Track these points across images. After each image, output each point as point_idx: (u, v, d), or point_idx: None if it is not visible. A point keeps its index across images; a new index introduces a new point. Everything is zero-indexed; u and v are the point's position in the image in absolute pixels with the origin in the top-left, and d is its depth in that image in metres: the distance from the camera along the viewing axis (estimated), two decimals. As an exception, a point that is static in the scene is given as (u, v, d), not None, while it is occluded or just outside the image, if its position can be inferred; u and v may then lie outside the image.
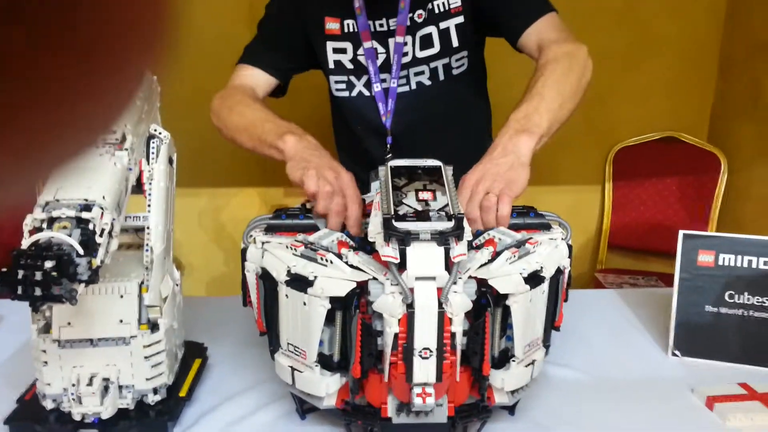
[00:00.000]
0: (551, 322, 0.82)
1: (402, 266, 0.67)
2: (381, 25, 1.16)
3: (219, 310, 1.14)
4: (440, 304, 0.66)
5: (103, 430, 0.76)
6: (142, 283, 0.80)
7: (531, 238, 0.79)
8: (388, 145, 1.17)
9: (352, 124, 1.21)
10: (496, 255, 0.75)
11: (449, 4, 1.13)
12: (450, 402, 0.74)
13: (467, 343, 0.71)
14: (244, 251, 0.81)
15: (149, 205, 0.82)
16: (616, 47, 2.21)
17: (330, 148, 1.02)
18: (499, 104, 1.26)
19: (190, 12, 2.00)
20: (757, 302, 0.99)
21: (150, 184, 0.83)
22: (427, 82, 1.17)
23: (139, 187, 0.84)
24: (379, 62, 1.16)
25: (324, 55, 1.18)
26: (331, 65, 1.18)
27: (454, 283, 0.67)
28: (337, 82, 1.19)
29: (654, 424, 0.85)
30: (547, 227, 0.86)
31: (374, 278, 0.69)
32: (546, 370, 0.92)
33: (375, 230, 0.70)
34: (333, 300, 0.70)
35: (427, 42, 1.14)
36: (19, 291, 0.60)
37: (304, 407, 0.82)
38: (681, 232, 1.03)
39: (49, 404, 0.78)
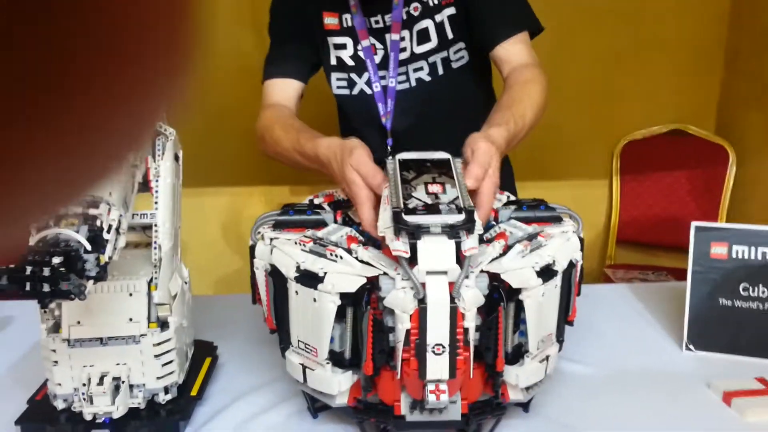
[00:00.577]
0: (564, 317, 0.81)
1: (413, 260, 0.66)
2: (377, 22, 1.14)
3: (228, 309, 1.13)
4: (452, 299, 0.65)
5: (115, 429, 0.76)
6: (151, 280, 0.79)
7: (542, 231, 0.78)
8: (389, 147, 1.15)
9: (354, 124, 1.20)
10: (507, 248, 0.74)
11: None
12: (463, 399, 0.73)
13: (480, 338, 0.70)
14: (252, 248, 0.80)
15: (156, 203, 0.82)
16: (621, 41, 2.19)
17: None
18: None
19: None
20: (773, 294, 0.98)
21: (156, 181, 0.82)
22: (427, 78, 1.15)
23: (145, 185, 0.83)
24: (378, 59, 1.15)
25: (326, 52, 1.17)
26: (333, 61, 1.17)
27: (466, 277, 0.66)
28: (338, 79, 1.17)
29: (672, 419, 0.84)
30: (558, 220, 0.85)
31: (385, 273, 0.68)
32: (560, 366, 0.91)
33: (384, 224, 0.69)
34: (343, 296, 0.70)
35: (424, 36, 1.13)
36: (28, 287, 0.59)
37: (316, 405, 0.82)
38: (693, 224, 1.02)
39: (60, 404, 0.77)
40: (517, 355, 0.76)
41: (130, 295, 0.77)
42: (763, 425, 0.82)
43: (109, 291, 0.76)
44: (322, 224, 0.81)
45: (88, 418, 0.75)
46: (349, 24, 1.14)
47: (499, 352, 0.70)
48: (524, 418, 0.83)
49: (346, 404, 0.75)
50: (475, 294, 0.67)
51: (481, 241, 0.74)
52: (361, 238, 0.76)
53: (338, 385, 0.72)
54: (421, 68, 1.14)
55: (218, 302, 1.19)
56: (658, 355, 1.00)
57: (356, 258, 0.71)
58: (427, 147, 0.81)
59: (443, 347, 0.66)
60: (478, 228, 0.69)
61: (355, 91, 1.16)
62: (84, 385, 0.75)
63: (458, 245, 0.66)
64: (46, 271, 0.58)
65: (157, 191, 0.82)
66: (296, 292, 0.72)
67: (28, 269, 0.59)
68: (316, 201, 0.90)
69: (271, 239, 0.78)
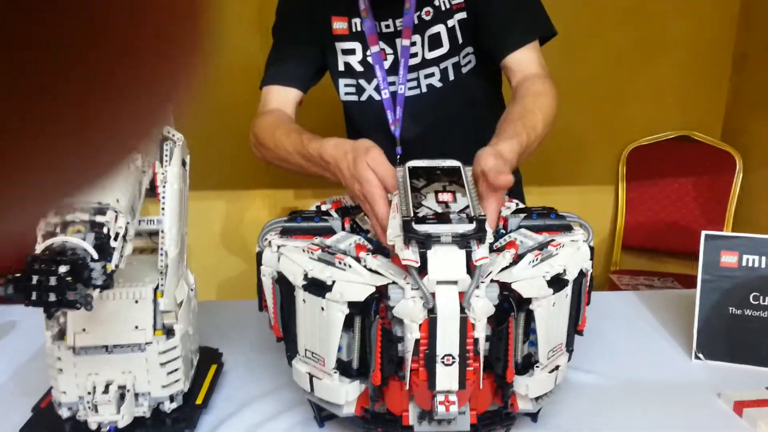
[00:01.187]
0: (574, 327, 0.80)
1: (423, 270, 0.65)
2: (387, 26, 1.13)
3: (233, 315, 1.13)
4: (462, 309, 0.64)
5: (119, 438, 0.75)
6: (157, 287, 0.78)
7: (553, 240, 0.77)
8: (398, 156, 1.14)
9: (362, 132, 1.18)
10: (518, 258, 0.73)
11: (451, 1, 1.11)
12: (472, 409, 0.72)
13: (490, 348, 0.70)
14: (259, 255, 0.80)
15: (163, 208, 0.81)
16: (627, 45, 2.18)
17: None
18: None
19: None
20: (784, 304, 0.97)
21: (163, 186, 0.81)
22: (438, 84, 1.14)
23: (152, 190, 0.83)
24: (387, 65, 1.13)
25: (333, 57, 1.15)
26: (341, 67, 1.15)
27: (477, 287, 0.65)
28: (346, 85, 1.16)
29: (682, 430, 0.83)
30: (568, 228, 0.84)
31: (394, 282, 0.68)
32: (568, 375, 0.90)
33: (394, 233, 0.68)
34: (352, 305, 0.69)
35: (435, 42, 1.11)
36: (34, 297, 0.58)
37: (322, 414, 0.81)
38: (703, 233, 1.01)
39: (64, 413, 0.77)
40: (527, 365, 0.75)
41: (136, 302, 0.76)
42: (776, 437, 0.81)
43: (115, 298, 0.76)
44: (330, 231, 0.81)
45: (93, 427, 0.74)
46: (359, 29, 1.13)
47: (509, 362, 0.69)
48: (533, 428, 0.82)
49: (354, 414, 0.74)
50: (485, 304, 0.66)
51: (491, 250, 0.74)
52: (370, 246, 0.75)
53: (345, 394, 0.72)
54: (432, 74, 1.13)
55: (224, 308, 1.18)
56: (667, 365, 0.99)
57: (365, 266, 0.70)
58: (437, 155, 0.80)
59: (453, 358, 0.65)
60: (489, 237, 0.68)
61: (364, 98, 1.15)
62: (89, 393, 0.74)
63: (469, 255, 0.65)
64: (53, 281, 0.58)
65: (164, 197, 0.81)
66: (304, 300, 0.72)
67: (35, 278, 0.58)
68: (324, 207, 0.90)
69: (279, 246, 0.78)
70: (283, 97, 1.14)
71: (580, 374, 0.94)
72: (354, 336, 0.71)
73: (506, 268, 0.72)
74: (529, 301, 0.70)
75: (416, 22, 1.11)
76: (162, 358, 0.77)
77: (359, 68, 1.14)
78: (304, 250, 0.74)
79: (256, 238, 0.82)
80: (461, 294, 0.65)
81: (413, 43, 1.11)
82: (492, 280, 0.69)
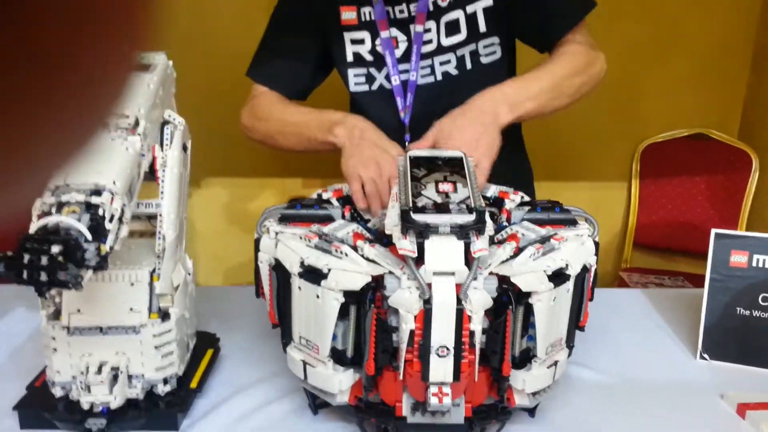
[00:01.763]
0: (575, 322, 0.78)
1: (420, 260, 0.64)
2: (401, 11, 1.10)
3: (234, 300, 1.12)
4: (459, 301, 0.63)
5: (112, 419, 0.75)
6: (154, 271, 0.78)
7: (556, 234, 0.76)
8: (407, 143, 1.11)
9: (372, 122, 1.15)
10: (519, 251, 0.71)
11: None
12: (467, 402, 0.71)
13: (487, 341, 0.68)
14: (257, 241, 0.79)
15: (162, 192, 0.80)
16: (643, 40, 2.14)
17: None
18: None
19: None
20: (793, 306, 0.95)
21: (163, 170, 0.81)
22: (454, 72, 1.11)
23: (152, 174, 0.82)
24: (400, 52, 1.10)
25: (341, 48, 1.13)
26: (350, 58, 1.12)
27: (474, 279, 0.64)
28: (356, 75, 1.13)
29: (683, 431, 0.81)
30: (573, 223, 0.82)
31: (390, 272, 0.66)
32: (569, 371, 0.89)
33: (392, 222, 0.67)
34: (347, 294, 0.68)
35: (453, 28, 1.09)
36: (25, 276, 0.58)
37: (317, 402, 0.80)
38: (713, 231, 0.99)
39: (58, 392, 0.77)
40: (525, 359, 0.74)
41: (132, 284, 0.76)
42: (779, 441, 0.79)
43: (111, 280, 0.75)
44: (329, 219, 0.80)
45: (86, 407, 0.74)
46: (368, 18, 1.11)
47: (506, 356, 0.67)
48: (530, 424, 0.81)
49: (347, 403, 0.73)
50: (482, 296, 0.65)
51: (492, 242, 0.72)
52: (368, 235, 0.74)
53: (339, 383, 0.71)
54: (448, 61, 1.11)
55: (225, 293, 1.18)
56: (671, 364, 0.97)
57: (362, 255, 0.69)
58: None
59: (448, 349, 0.64)
60: (489, 229, 0.67)
61: (375, 87, 1.13)
62: (82, 373, 0.74)
63: (467, 246, 0.64)
64: (44, 260, 0.57)
65: (163, 181, 0.81)
66: (299, 287, 0.71)
67: (26, 257, 0.58)
68: (325, 195, 0.89)
69: (277, 233, 0.77)
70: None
71: (582, 370, 0.92)
72: (349, 325, 0.70)
73: (506, 260, 0.70)
74: (528, 294, 0.69)
75: (431, 8, 1.09)
76: (156, 341, 0.76)
77: (369, 57, 1.11)
78: (301, 238, 0.73)
79: (258, 224, 0.82)
80: (458, 286, 0.64)
81: (427, 30, 1.08)
82: (491, 273, 0.68)
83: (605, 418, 0.83)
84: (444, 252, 0.63)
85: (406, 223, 0.64)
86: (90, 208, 0.65)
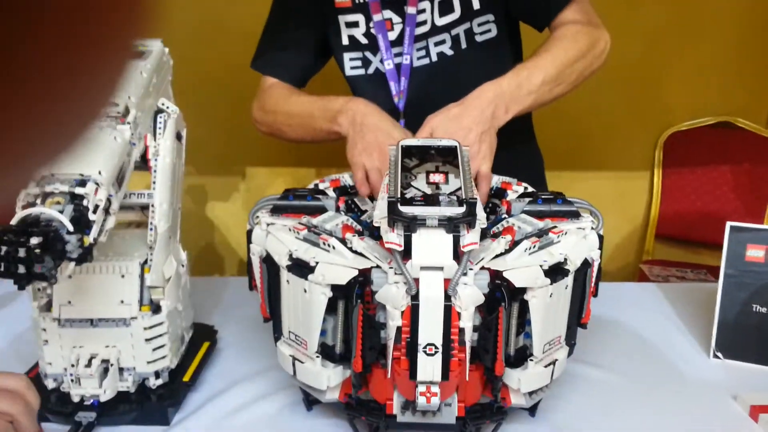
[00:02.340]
0: (577, 319, 0.75)
1: (407, 254, 0.62)
2: None
3: (237, 291, 1.11)
4: (448, 297, 0.61)
5: (102, 413, 0.74)
6: (146, 262, 0.77)
7: (555, 226, 0.73)
8: None
9: None
10: (514, 244, 0.69)
11: None
12: (460, 401, 0.68)
13: (479, 339, 0.66)
14: (249, 233, 0.77)
15: (154, 182, 0.79)
16: (667, 25, 2.07)
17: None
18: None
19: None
20: (812, 304, 0.90)
21: (156, 160, 0.79)
22: (449, 52, 1.07)
23: (145, 163, 0.81)
24: (394, 35, 1.07)
25: (337, 32, 1.10)
26: (345, 41, 1.10)
27: (464, 274, 0.62)
28: (352, 59, 1.11)
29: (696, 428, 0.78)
30: (575, 215, 0.79)
31: (378, 266, 0.64)
32: (572, 369, 0.86)
33: (380, 214, 0.65)
34: (335, 288, 0.66)
35: (447, 7, 1.05)
36: (2, 268, 0.57)
37: (311, 398, 0.78)
38: (728, 224, 0.94)
39: (50, 384, 0.76)
40: (521, 357, 0.71)
41: (122, 276, 0.75)
42: (790, 447, 0.75)
43: (101, 271, 0.75)
44: (322, 210, 0.78)
45: (76, 399, 0.73)
46: (362, 0, 1.08)
47: (498, 354, 0.65)
48: (530, 423, 0.78)
49: (337, 400, 0.71)
50: (472, 292, 0.62)
51: (487, 235, 0.69)
52: (357, 227, 0.72)
53: (327, 379, 0.69)
54: (443, 41, 1.07)
55: (229, 284, 1.17)
56: (682, 362, 0.94)
57: (350, 248, 0.67)
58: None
59: (436, 348, 0.61)
60: (481, 222, 0.64)
61: (371, 70, 1.10)
62: (73, 365, 0.73)
63: (456, 240, 0.61)
64: (21, 252, 0.56)
65: (155, 171, 0.80)
66: (287, 281, 0.69)
67: (3, 249, 0.57)
68: (322, 186, 0.87)
69: (267, 224, 0.75)
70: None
71: (586, 368, 0.89)
72: (338, 320, 0.68)
73: (501, 254, 0.67)
74: (523, 290, 0.66)
75: None
76: (147, 333, 0.76)
77: (364, 41, 1.09)
78: (290, 230, 0.71)
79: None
80: (447, 281, 0.61)
81: (421, 10, 1.05)
82: (483, 268, 0.65)
83: (609, 417, 0.80)
84: (432, 246, 0.61)
85: (393, 216, 0.62)
86: (74, 198, 0.64)
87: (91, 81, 0.18)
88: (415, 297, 0.61)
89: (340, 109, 0.94)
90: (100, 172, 0.67)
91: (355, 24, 1.08)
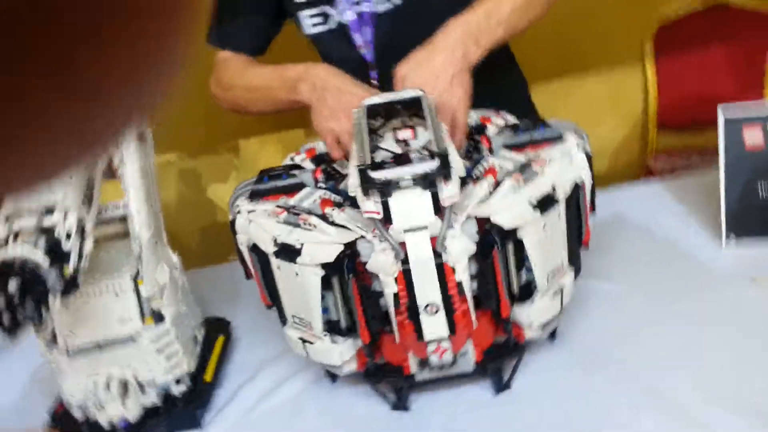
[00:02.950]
0: (577, 243, 0.74)
1: (388, 220, 0.60)
2: None
3: (243, 277, 1.11)
4: (437, 255, 0.60)
5: (132, 429, 0.75)
6: (137, 275, 0.76)
7: (537, 156, 0.70)
8: (374, 82, 1.03)
9: (337, 64, 1.06)
10: (497, 184, 0.66)
11: None
12: (477, 346, 0.68)
13: (479, 287, 0.65)
14: (232, 223, 0.76)
15: (126, 191, 0.77)
16: None
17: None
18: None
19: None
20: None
21: (122, 168, 0.77)
22: None
23: (113, 172, 0.79)
24: None
25: None
26: None
27: (450, 227, 0.60)
28: (311, 16, 1.04)
29: (714, 325, 0.78)
30: (559, 138, 0.76)
31: (363, 237, 0.63)
32: (584, 287, 0.84)
33: (354, 184, 0.63)
34: (326, 266, 0.65)
35: None
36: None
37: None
38: (720, 113, 0.91)
39: (78, 414, 0.77)
40: (528, 291, 0.70)
41: (117, 295, 0.74)
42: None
43: (94, 295, 0.74)
44: (301, 187, 0.76)
45: (106, 426, 0.74)
46: None
47: (501, 296, 0.64)
48: (550, 349, 0.78)
49: (355, 371, 0.71)
50: (462, 244, 0.61)
51: (467, 182, 0.67)
52: (337, 198, 0.70)
53: (340, 355, 0.69)
54: None
55: (233, 271, 1.16)
56: (694, 256, 0.92)
57: (332, 222, 0.65)
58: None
59: (436, 306, 0.61)
60: (458, 171, 0.62)
61: (332, 25, 1.03)
62: (92, 393, 0.74)
63: (435, 195, 0.60)
64: (1, 303, 0.55)
65: (125, 180, 0.78)
66: (278, 267, 0.68)
67: (-17, 303, 0.56)
68: (297, 158, 0.85)
69: (249, 212, 0.73)
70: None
71: (598, 282, 0.87)
72: (336, 296, 0.67)
73: (486, 198, 0.65)
74: (516, 230, 0.64)
75: None
76: (156, 345, 0.75)
77: None
78: (270, 214, 0.70)
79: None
80: (434, 239, 0.60)
81: None
82: (469, 216, 0.63)
83: (627, 327, 0.80)
84: (410, 207, 0.59)
85: (366, 183, 0.60)
86: (44, 231, 0.63)
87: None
88: (405, 261, 0.60)
89: (299, 77, 0.90)
90: (65, 194, 0.65)
91: None
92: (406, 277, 0.60)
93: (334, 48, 1.05)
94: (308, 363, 0.83)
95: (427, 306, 0.60)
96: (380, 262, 0.61)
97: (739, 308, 0.80)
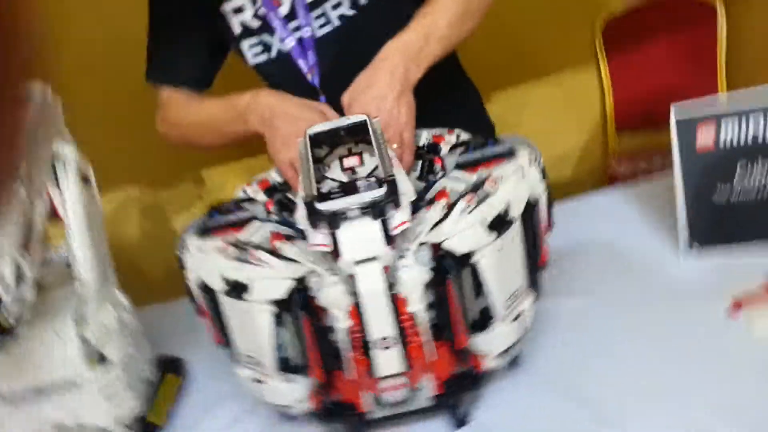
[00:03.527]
0: (534, 263, 0.72)
1: (338, 252, 0.58)
2: None
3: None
4: (390, 286, 0.57)
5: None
6: (82, 317, 0.72)
7: (489, 175, 0.69)
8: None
9: (284, 91, 1.04)
10: (451, 207, 0.65)
11: None
12: (436, 378, 0.66)
13: (437, 315, 0.63)
14: (180, 260, 0.73)
15: (70, 235, 0.74)
16: None
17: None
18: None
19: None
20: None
21: (65, 212, 0.74)
22: (350, 12, 0.98)
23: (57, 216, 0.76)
24: (286, 9, 0.98)
25: (226, 24, 1.01)
26: (237, 30, 1.01)
27: (402, 256, 0.58)
28: (251, 46, 1.02)
29: (677, 337, 0.77)
30: (511, 154, 0.74)
31: (313, 271, 0.60)
32: (544, 308, 0.82)
33: (301, 216, 0.60)
34: (278, 302, 0.62)
35: None
36: None
37: (290, 408, 0.76)
38: (672, 115, 0.91)
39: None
40: (488, 318, 0.68)
41: (58, 336, 0.71)
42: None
43: (35, 339, 0.70)
44: (251, 221, 0.73)
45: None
46: None
47: (455, 328, 0.62)
48: (513, 376, 0.76)
49: (311, 409, 0.69)
50: (415, 273, 0.59)
51: (420, 207, 0.65)
52: (287, 231, 0.68)
53: (292, 394, 0.66)
54: (339, 3, 0.98)
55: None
56: (656, 269, 0.91)
57: (282, 257, 0.63)
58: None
59: (390, 340, 0.58)
60: (408, 195, 0.60)
61: (273, 54, 1.02)
62: (33, 441, 0.70)
63: (385, 223, 0.57)
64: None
65: (68, 223, 0.74)
66: (228, 305, 0.65)
67: None
68: (249, 190, 0.82)
69: (197, 248, 0.71)
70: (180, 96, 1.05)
71: (559, 300, 0.86)
72: (288, 334, 0.65)
73: (438, 223, 0.64)
74: (471, 254, 0.63)
75: None
76: (99, 387, 0.72)
77: (256, 23, 1.00)
78: (218, 250, 0.67)
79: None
80: (387, 268, 0.58)
81: None
82: (422, 243, 0.61)
83: (590, 347, 0.78)
84: (359, 238, 0.57)
85: (312, 216, 0.57)
86: (-25, 283, 0.59)
87: None
88: (356, 294, 0.57)
89: (248, 108, 0.87)
90: (-2, 245, 0.62)
91: (241, 9, 1.00)
92: (356, 311, 0.58)
93: (279, 76, 1.03)
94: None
95: (380, 340, 0.58)
96: (332, 297, 0.58)
97: (706, 323, 0.79)
